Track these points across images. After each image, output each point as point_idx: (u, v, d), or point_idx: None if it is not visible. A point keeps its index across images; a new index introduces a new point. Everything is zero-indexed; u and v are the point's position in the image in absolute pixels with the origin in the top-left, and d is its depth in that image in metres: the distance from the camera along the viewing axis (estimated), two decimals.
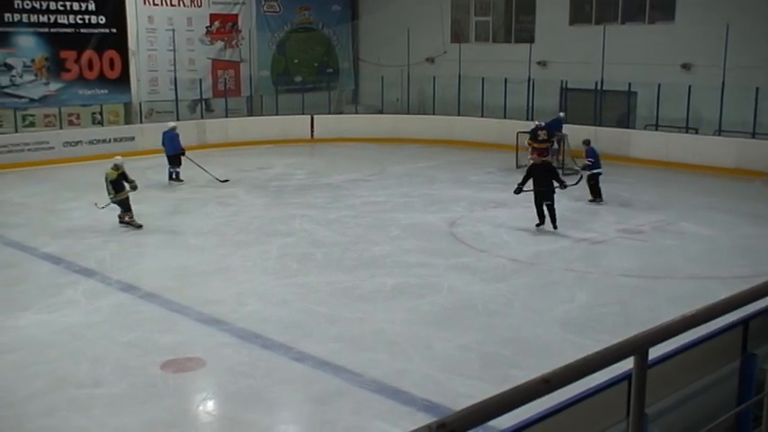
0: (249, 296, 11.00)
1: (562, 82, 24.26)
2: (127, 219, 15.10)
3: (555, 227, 14.41)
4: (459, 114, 26.27)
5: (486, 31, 27.87)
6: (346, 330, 9.68)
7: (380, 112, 28.49)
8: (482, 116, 25.59)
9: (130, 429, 7.25)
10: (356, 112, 29.33)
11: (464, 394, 7.78)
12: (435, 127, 26.38)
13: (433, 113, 26.92)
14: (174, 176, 20.17)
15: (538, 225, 14.64)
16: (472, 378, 8.28)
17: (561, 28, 24.99)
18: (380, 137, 26.33)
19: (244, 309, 10.47)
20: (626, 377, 3.00)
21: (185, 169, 19.97)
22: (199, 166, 19.59)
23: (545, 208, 14.52)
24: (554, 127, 20.27)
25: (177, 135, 20.26)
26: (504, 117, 24.64)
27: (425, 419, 7.28)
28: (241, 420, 7.47)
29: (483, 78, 25.25)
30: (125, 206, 15.15)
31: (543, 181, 14.45)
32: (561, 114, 21.38)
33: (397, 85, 28.17)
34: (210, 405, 8.09)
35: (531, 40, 25.44)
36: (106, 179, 15.05)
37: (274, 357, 8.90)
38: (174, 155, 20.14)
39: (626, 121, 22.94)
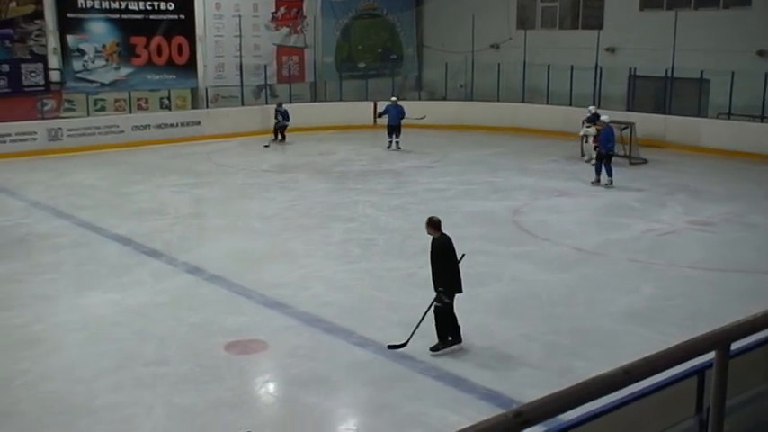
0: (311, 280, 11.07)
1: (631, 69, 23.76)
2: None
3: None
4: (523, 101, 25.95)
5: (553, 17, 27.43)
6: (407, 316, 9.63)
7: (444, 98, 28.33)
8: (547, 104, 25.25)
9: (194, 408, 7.37)
10: (419, 99, 29.20)
11: (526, 384, 7.71)
12: (499, 114, 26.11)
13: (497, 101, 26.64)
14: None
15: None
16: (534, 367, 8.20)
17: (631, 13, 24.43)
18: (443, 123, 26.19)
19: (306, 293, 10.53)
20: (695, 372, 2.91)
21: (244, 155, 20.16)
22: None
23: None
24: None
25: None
26: (570, 105, 24.25)
27: (487, 408, 7.23)
28: (302, 403, 7.52)
29: (548, 65, 24.88)
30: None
31: None
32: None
33: (460, 71, 27.97)
34: (272, 387, 8.17)
35: (599, 26, 24.95)
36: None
37: (336, 341, 8.94)
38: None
39: (696, 109, 22.36)
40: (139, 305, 10.08)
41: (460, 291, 8.61)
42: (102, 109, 25.19)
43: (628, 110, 23.04)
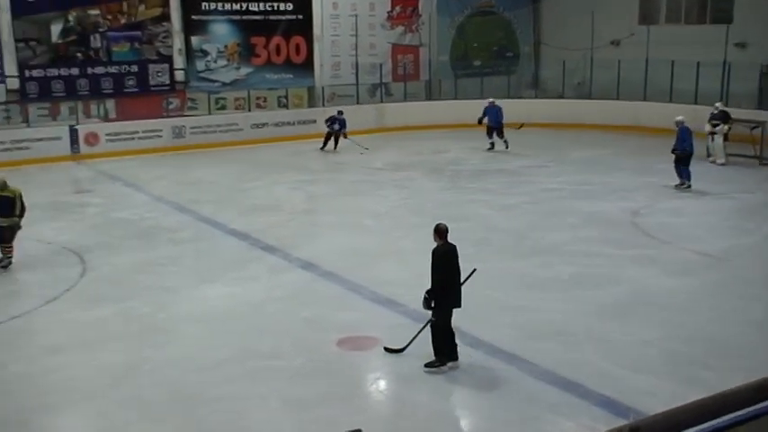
0: (423, 279, 10.99)
1: (762, 65, 22.64)
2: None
3: None
4: (644, 99, 25.14)
5: (678, 12, 26.44)
6: (520, 318, 9.51)
7: (561, 96, 27.78)
8: (670, 101, 24.34)
9: (306, 402, 7.47)
10: (535, 97, 28.76)
11: (644, 392, 7.44)
12: (619, 112, 25.37)
13: (617, 98, 25.90)
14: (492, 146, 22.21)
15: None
16: (653, 375, 7.90)
17: (765, 6, 23.26)
18: (560, 122, 25.69)
19: (417, 291, 10.46)
20: None
21: (358, 153, 20.30)
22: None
23: None
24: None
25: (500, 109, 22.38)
26: (695, 103, 23.31)
27: (602, 415, 7.03)
28: (412, 401, 7.51)
29: (672, 61, 24.00)
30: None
31: None
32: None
33: (578, 69, 27.36)
34: (383, 384, 8.20)
35: (728, 21, 23.88)
36: None
37: None
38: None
39: None
40: (255, 299, 10.32)
41: (458, 305, 8.12)
42: (223, 107, 25.97)
43: (759, 108, 21.97)
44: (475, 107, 26.61)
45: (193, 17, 25.07)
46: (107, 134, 23.04)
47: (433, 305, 8.08)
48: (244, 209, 15.67)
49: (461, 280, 8.20)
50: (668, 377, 7.82)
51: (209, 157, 22.27)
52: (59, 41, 23.44)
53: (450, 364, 8.17)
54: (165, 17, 24.70)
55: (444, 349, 8.15)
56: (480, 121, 22.36)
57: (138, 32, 24.41)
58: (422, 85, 29.73)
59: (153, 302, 10.29)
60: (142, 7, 24.31)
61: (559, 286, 10.71)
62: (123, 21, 24.16)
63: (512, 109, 26.64)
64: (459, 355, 8.21)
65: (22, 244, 13.07)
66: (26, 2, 22.69)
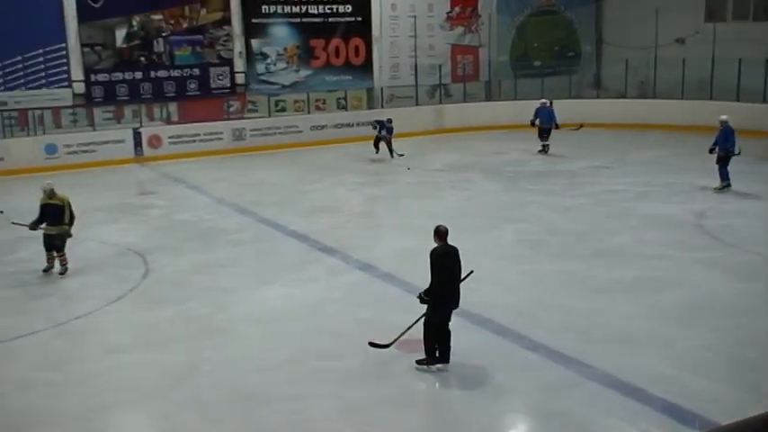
0: (481, 281, 10.90)
1: None
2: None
3: None
4: (711, 98, 24.55)
5: (746, 8, 25.77)
6: (581, 321, 9.36)
7: (623, 96, 27.32)
8: (737, 101, 23.72)
9: (364, 403, 7.47)
10: (597, 97, 28.35)
11: (708, 399, 7.25)
12: (682, 112, 24.83)
13: (681, 98, 25.35)
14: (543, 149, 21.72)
15: None
16: (717, 381, 7.69)
17: None
18: (623, 122, 25.28)
19: (476, 293, 10.39)
20: None
21: (417, 155, 20.25)
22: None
23: None
24: None
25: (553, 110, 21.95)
26: (764, 101, 22.69)
27: (665, 421, 6.88)
28: (469, 404, 7.45)
29: (740, 59, 23.39)
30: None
31: None
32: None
33: (641, 68, 26.87)
34: (440, 387, 8.14)
35: None
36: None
37: (505, 344, 8.81)
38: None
39: None
40: (314, 300, 10.37)
41: (456, 306, 8.12)
42: (283, 110, 26.22)
43: None
44: (534, 108, 26.39)
45: (253, 20, 25.37)
46: (169, 137, 23.47)
47: (430, 302, 8.12)
48: (303, 210, 15.78)
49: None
50: (732, 384, 7.60)
51: (269, 159, 22.51)
52: (124, 46, 23.95)
53: (438, 366, 8.14)
54: (226, 21, 25.05)
55: (434, 350, 8.15)
56: (533, 123, 22.01)
57: (200, 36, 24.80)
58: (481, 86, 29.58)
59: (213, 303, 10.42)
60: (203, 11, 24.70)
61: (621, 289, 10.51)
62: (185, 25, 24.58)
63: (573, 109, 26.35)
64: (450, 359, 8.17)
65: (87, 245, 13.41)
66: (92, 7, 23.24)
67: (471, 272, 8.35)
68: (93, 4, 23.34)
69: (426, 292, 8.12)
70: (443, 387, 8.10)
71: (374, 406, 7.43)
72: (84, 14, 23.22)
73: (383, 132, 21.70)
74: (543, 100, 22.49)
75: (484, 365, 8.22)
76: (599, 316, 9.53)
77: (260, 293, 10.81)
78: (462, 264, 8.07)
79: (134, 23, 24.00)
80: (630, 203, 15.38)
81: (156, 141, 23.27)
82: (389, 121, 22.00)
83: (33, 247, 13.01)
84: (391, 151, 21.60)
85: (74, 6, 23.00)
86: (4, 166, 21.08)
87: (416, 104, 27.42)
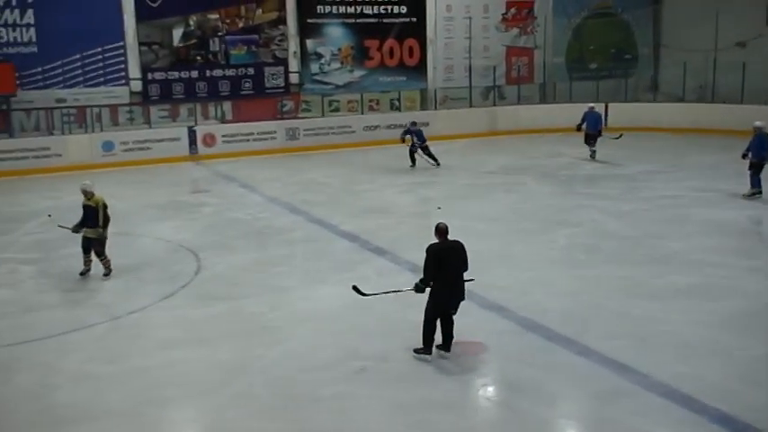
0: (533, 285, 10.84)
1: None
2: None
3: None
4: None
5: None
6: (634, 328, 9.18)
7: (681, 100, 26.83)
8: None
9: (410, 406, 7.42)
10: (654, 101, 27.89)
11: (765, 409, 7.04)
12: (743, 117, 24.21)
13: (741, 102, 24.79)
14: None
15: None
16: None
17: None
18: (681, 126, 24.83)
19: (527, 297, 10.33)
20: None
21: (470, 156, 20.11)
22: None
23: None
24: None
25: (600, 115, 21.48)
26: None
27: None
28: (519, 409, 7.36)
29: None
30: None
31: None
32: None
33: (700, 71, 26.35)
34: (489, 391, 8.06)
35: None
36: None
37: (556, 349, 8.68)
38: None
39: None
40: (364, 301, 10.33)
41: (461, 298, 8.42)
42: (336, 110, 26.35)
43: None
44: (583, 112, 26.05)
45: (308, 20, 25.56)
46: (223, 135, 23.76)
47: (423, 292, 8.47)
48: (355, 211, 15.80)
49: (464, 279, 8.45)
50: None
51: (322, 158, 22.62)
52: (180, 45, 24.32)
53: (425, 355, 8.39)
54: (282, 21, 25.28)
55: (432, 340, 8.39)
56: (579, 128, 21.55)
57: (255, 36, 25.07)
58: (536, 88, 29.36)
59: (264, 301, 10.48)
60: (259, 11, 24.95)
61: (676, 296, 10.29)
62: (241, 24, 24.87)
63: (629, 112, 26.03)
64: (433, 351, 8.44)
65: (142, 241, 13.64)
66: (150, 7, 23.64)
67: (472, 279, 8.60)
68: (151, 4, 23.74)
69: (421, 281, 8.44)
70: (492, 391, 8.02)
71: (421, 408, 7.38)
72: (142, 14, 23.64)
73: (414, 139, 20.57)
74: (591, 104, 22.04)
75: (534, 371, 8.11)
76: (653, 323, 9.34)
77: (310, 292, 10.84)
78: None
79: (191, 23, 24.35)
80: (686, 209, 15.07)
81: (210, 140, 23.56)
82: (414, 123, 21.01)
83: None
84: (432, 156, 20.54)
85: (132, 5, 23.44)
86: (63, 162, 21.55)
87: (470, 106, 27.30)
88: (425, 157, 20.42)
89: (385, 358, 8.53)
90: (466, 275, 8.45)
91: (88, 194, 11.57)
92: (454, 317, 8.50)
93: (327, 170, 20.69)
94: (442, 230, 8.53)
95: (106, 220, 11.53)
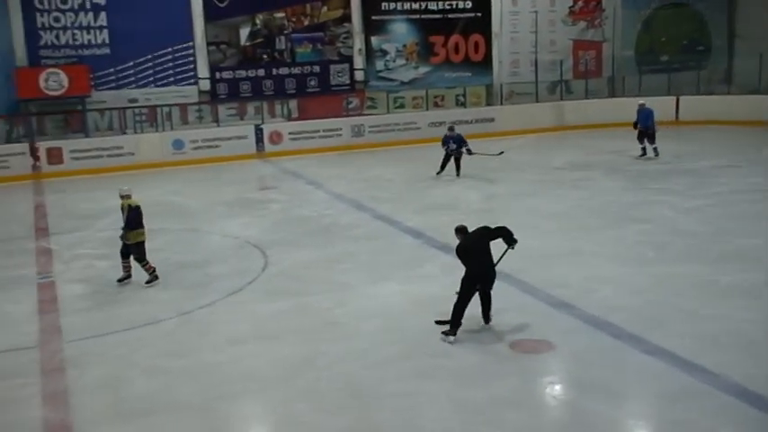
0: (601, 282, 10.68)
1: None
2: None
3: None
4: None
5: None
6: (705, 327, 8.97)
7: (756, 92, 26.05)
8: None
9: (475, 403, 7.39)
10: (728, 93, 27.16)
11: None
12: None
13: None
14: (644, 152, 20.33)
15: None
16: None
17: None
18: (754, 119, 24.12)
19: (594, 295, 10.18)
20: None
21: (536, 152, 19.90)
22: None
23: None
24: None
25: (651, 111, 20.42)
26: None
27: None
28: (586, 409, 7.26)
29: None
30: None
31: None
32: None
33: None
34: (556, 389, 7.97)
35: None
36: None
37: (625, 348, 8.53)
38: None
39: None
40: (429, 297, 10.34)
41: (494, 274, 9.08)
42: (401, 106, 26.38)
43: None
44: (660, 104, 25.48)
45: (373, 17, 25.64)
46: (290, 133, 24.02)
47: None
48: (420, 207, 15.80)
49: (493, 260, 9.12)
50: None
51: (387, 155, 22.66)
52: (247, 44, 24.67)
53: (449, 334, 8.86)
54: (347, 18, 25.42)
55: (459, 323, 8.86)
56: (636, 125, 20.72)
57: (321, 34, 25.27)
58: (604, 82, 28.90)
59: (329, 298, 10.56)
60: (324, 9, 25.12)
61: (749, 294, 10.00)
62: (306, 23, 25.09)
63: (701, 105, 25.41)
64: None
65: (210, 238, 13.91)
66: (218, 7, 24.03)
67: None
68: (218, 4, 24.13)
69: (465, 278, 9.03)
70: (559, 389, 7.93)
71: (487, 406, 7.35)
72: (211, 14, 24.05)
73: (452, 146, 18.85)
74: (641, 101, 21.25)
75: (602, 369, 8.00)
76: (725, 322, 9.11)
77: (376, 289, 10.88)
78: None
79: (257, 22, 24.68)
80: (760, 204, 14.65)
81: (276, 137, 23.84)
82: (451, 129, 19.32)
83: (162, 238, 13.61)
84: (458, 168, 18.86)
85: (201, 6, 23.87)
86: (135, 160, 22.09)
87: (536, 101, 27.01)
88: (456, 163, 18.86)
89: (450, 355, 8.51)
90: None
91: (123, 198, 11.25)
92: (491, 292, 9.20)
93: (392, 167, 20.72)
94: (459, 230, 9.27)
95: (128, 222, 11.11)
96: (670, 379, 7.76)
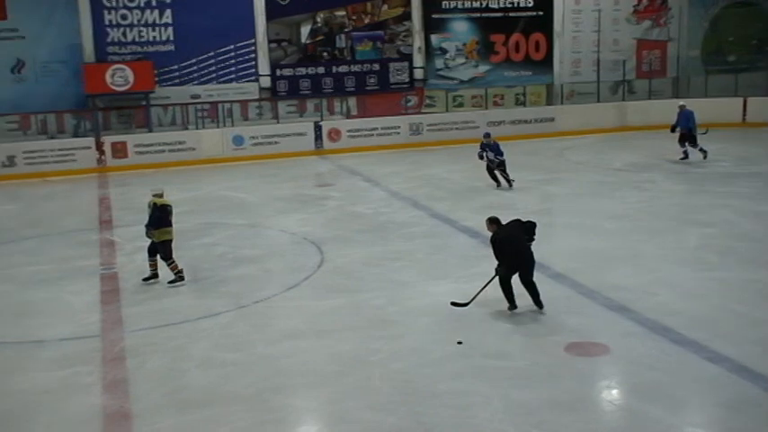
0: (661, 286, 10.48)
1: None
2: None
3: None
4: None
5: None
6: (766, 334, 8.73)
7: None
8: None
9: (530, 405, 7.32)
10: None
11: None
12: None
13: None
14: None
15: None
16: None
17: None
18: None
19: (654, 299, 9.99)
20: None
21: (597, 153, 19.62)
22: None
23: None
24: None
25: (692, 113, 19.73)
26: None
27: None
28: (643, 414, 7.12)
29: None
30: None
31: None
32: None
33: None
34: (612, 393, 7.85)
35: None
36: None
37: (684, 354, 8.35)
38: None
39: None
40: (483, 296, 10.26)
41: (533, 263, 9.56)
42: (460, 105, 26.27)
43: None
44: (726, 105, 24.96)
45: (433, 16, 25.58)
46: (348, 130, 24.11)
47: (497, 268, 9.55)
48: (477, 206, 15.69)
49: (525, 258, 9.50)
50: None
51: (445, 154, 22.58)
52: (308, 42, 24.85)
53: (509, 305, 9.56)
54: (407, 16, 25.41)
55: (512, 298, 9.54)
56: (674, 129, 20.03)
57: (381, 32, 25.31)
58: (668, 82, 28.35)
59: (384, 295, 10.57)
60: (385, 7, 25.15)
61: None
62: (367, 20, 25.16)
63: None
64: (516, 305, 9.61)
65: (268, 233, 14.07)
66: (279, 5, 24.26)
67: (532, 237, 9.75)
68: (280, 2, 24.36)
69: (498, 266, 9.52)
70: (616, 394, 7.81)
71: (541, 408, 7.26)
72: (272, 12, 24.30)
73: (490, 155, 17.55)
74: (681, 103, 20.61)
75: (660, 375, 7.84)
76: None
77: (431, 287, 10.85)
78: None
79: (318, 20, 24.83)
80: None
81: (335, 135, 23.96)
82: (487, 135, 17.88)
83: (221, 233, 13.81)
84: (506, 177, 17.55)
85: (263, 4, 24.15)
86: (196, 155, 22.44)
87: (598, 101, 26.63)
88: (501, 174, 17.54)
89: (504, 356, 8.45)
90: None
91: (154, 196, 11.20)
92: (534, 280, 9.56)
93: (451, 165, 20.65)
94: (493, 221, 9.66)
95: (151, 220, 11.06)
96: (730, 386, 7.57)
